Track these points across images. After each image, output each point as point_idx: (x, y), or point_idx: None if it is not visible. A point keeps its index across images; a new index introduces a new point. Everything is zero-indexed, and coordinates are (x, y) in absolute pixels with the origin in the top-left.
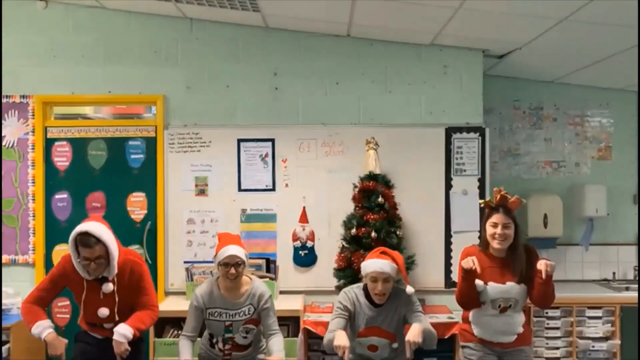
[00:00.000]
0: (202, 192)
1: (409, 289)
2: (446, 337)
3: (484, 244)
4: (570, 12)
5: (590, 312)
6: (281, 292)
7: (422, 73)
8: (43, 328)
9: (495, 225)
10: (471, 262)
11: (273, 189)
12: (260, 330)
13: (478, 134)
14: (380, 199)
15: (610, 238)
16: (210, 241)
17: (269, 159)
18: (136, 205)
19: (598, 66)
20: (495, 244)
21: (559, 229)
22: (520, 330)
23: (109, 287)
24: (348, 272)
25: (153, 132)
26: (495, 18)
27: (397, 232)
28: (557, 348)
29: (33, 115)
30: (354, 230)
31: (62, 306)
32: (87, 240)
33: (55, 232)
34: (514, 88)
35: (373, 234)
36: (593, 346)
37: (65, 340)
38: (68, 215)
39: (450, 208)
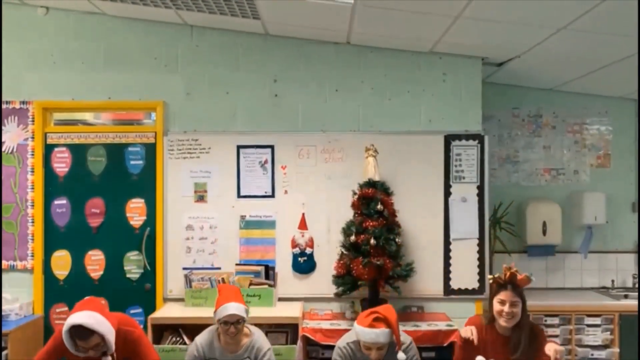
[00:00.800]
0: (201, 198)
1: (401, 356)
2: (445, 344)
3: (489, 317)
4: (569, 22)
5: (589, 320)
6: (280, 299)
7: (422, 81)
8: None
9: (503, 302)
10: (469, 332)
11: (272, 196)
12: None
13: (477, 141)
14: (379, 206)
15: (609, 246)
16: (209, 247)
17: (269, 166)
18: (135, 211)
19: (596, 74)
20: (502, 322)
21: (557, 236)
22: None
23: None
24: (347, 279)
25: (153, 138)
26: (494, 27)
27: (396, 239)
28: None
29: (33, 121)
30: (353, 237)
31: (60, 312)
32: (82, 333)
33: (54, 238)
34: (513, 95)
35: (372, 241)
36: (592, 354)
37: None
38: (67, 221)
39: (450, 215)
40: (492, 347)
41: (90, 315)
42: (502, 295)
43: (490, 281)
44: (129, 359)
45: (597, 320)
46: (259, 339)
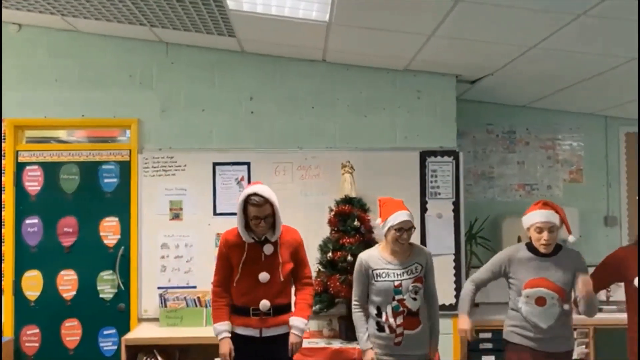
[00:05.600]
0: (176, 216)
1: (571, 238)
2: None
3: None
4: (538, 41)
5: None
6: None
7: (397, 98)
8: (220, 331)
9: None
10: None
11: None
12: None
13: (452, 157)
14: (356, 223)
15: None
16: (184, 266)
17: (245, 183)
18: (109, 230)
19: (567, 91)
20: None
21: None
22: None
23: (270, 248)
24: (324, 297)
25: (127, 156)
26: (466, 45)
27: None
28: None
29: (4, 138)
30: (330, 254)
31: (31, 334)
32: (256, 199)
33: (24, 257)
34: (487, 112)
35: (349, 258)
36: None
37: (232, 346)
38: (39, 240)
39: (426, 231)
40: None
41: (265, 187)
42: None
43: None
44: (285, 261)
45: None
46: (424, 248)
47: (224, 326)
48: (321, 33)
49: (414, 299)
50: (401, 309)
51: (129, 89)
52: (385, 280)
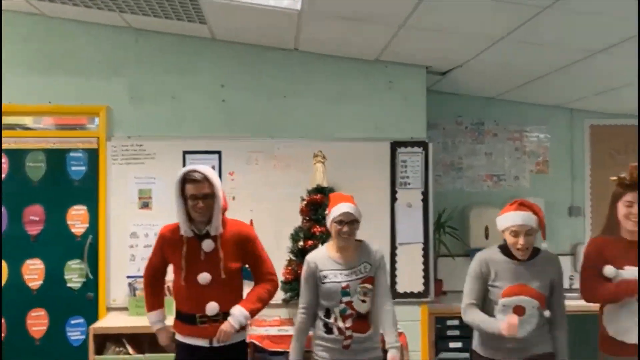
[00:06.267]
0: (145, 205)
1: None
2: None
3: (610, 229)
4: (506, 33)
5: None
6: None
7: (369, 88)
8: (153, 322)
9: (630, 204)
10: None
11: None
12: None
13: (422, 148)
14: (327, 212)
15: (548, 248)
16: None
17: (216, 172)
18: (77, 218)
19: (534, 84)
20: (630, 226)
21: (499, 240)
22: None
23: (209, 244)
24: (295, 285)
25: (95, 144)
26: (436, 37)
27: None
28: None
29: None
30: (301, 243)
31: (36, 317)
32: (195, 175)
33: None
34: (456, 104)
35: (320, 246)
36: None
37: (172, 331)
38: (3, 229)
39: (395, 220)
40: (625, 257)
41: (206, 167)
42: (630, 196)
43: (615, 182)
44: (229, 260)
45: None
46: (373, 244)
47: (156, 316)
48: (293, 22)
49: (363, 301)
50: (349, 311)
51: (98, 75)
52: (332, 282)
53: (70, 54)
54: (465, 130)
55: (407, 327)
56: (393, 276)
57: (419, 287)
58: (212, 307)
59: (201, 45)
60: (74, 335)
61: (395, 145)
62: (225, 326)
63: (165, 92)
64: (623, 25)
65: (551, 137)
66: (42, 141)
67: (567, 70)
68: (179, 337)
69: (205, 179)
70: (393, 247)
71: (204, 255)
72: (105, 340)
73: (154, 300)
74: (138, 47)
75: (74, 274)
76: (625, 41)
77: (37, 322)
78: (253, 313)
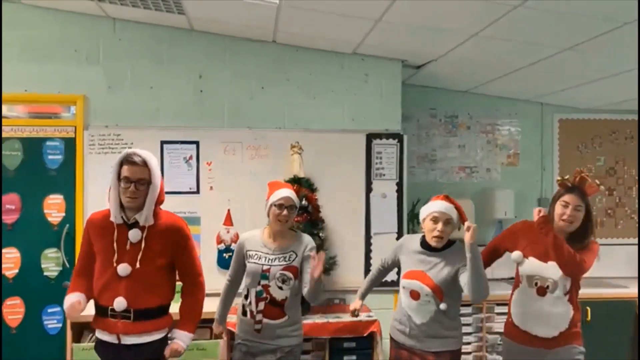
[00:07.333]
0: None
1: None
2: (365, 334)
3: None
4: (479, 29)
5: (499, 309)
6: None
7: (345, 81)
8: (68, 300)
9: (566, 205)
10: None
11: (197, 192)
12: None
13: (397, 140)
14: (304, 202)
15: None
16: None
17: (193, 162)
18: (54, 207)
19: (506, 78)
20: (560, 224)
21: None
22: (564, 326)
23: (136, 234)
24: None
25: (72, 133)
26: (412, 31)
27: (320, 234)
28: (469, 343)
29: None
30: None
31: (12, 305)
32: (134, 158)
33: None
34: (431, 97)
35: None
36: (501, 341)
37: (82, 306)
38: None
39: (370, 210)
40: (535, 248)
41: (148, 153)
42: (567, 198)
43: (558, 183)
44: (155, 253)
45: (506, 309)
46: (307, 237)
47: (73, 296)
48: (271, 14)
49: (280, 288)
50: (264, 295)
51: (75, 64)
52: (254, 263)
53: (47, 42)
54: (439, 123)
55: (381, 314)
56: (367, 265)
57: (392, 276)
58: (119, 302)
59: (179, 36)
60: (51, 323)
61: (370, 137)
62: (177, 345)
63: (143, 82)
64: (590, 25)
65: (522, 131)
66: (18, 130)
67: (538, 66)
68: (96, 331)
69: (144, 164)
70: (368, 237)
71: (129, 245)
72: (83, 329)
73: (77, 288)
74: (116, 36)
75: (50, 263)
76: (592, 39)
77: (13, 310)
78: (195, 332)
